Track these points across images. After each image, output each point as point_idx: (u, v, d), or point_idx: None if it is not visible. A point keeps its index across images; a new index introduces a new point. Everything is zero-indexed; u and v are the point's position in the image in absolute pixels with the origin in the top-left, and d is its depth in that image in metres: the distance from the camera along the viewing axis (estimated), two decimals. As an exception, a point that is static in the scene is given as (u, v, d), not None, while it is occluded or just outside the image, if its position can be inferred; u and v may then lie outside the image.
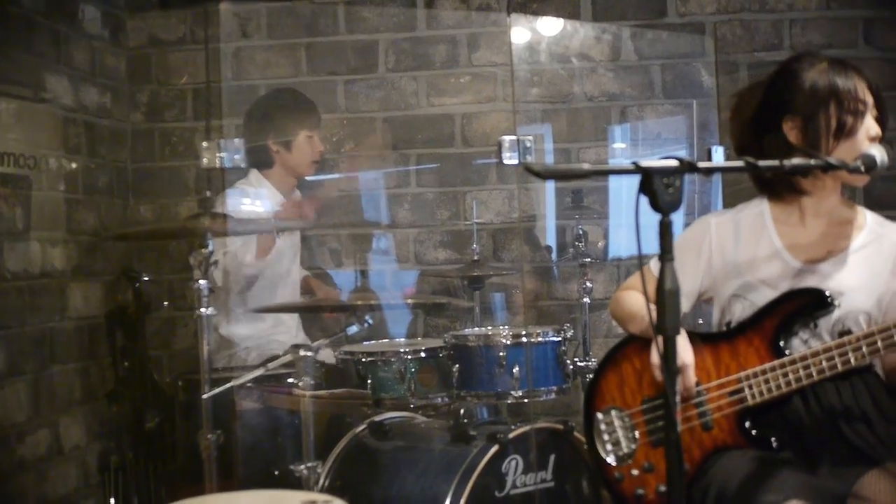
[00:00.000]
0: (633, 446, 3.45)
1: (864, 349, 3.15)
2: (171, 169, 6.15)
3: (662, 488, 3.37)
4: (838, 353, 3.18)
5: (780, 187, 3.44)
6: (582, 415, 3.64)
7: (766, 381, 3.26)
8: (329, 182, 5.68)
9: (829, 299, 3.25)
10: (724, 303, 3.47)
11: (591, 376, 3.69)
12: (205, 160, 4.00)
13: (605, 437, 3.51)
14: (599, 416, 3.53)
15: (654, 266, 3.41)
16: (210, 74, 5.97)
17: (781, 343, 3.28)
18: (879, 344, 3.14)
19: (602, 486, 3.58)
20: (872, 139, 3.28)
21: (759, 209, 3.49)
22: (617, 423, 3.50)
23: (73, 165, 5.46)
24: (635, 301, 3.58)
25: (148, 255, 6.03)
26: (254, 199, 5.27)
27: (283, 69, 6.11)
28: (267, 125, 5.33)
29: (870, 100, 3.32)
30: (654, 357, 3.33)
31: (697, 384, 3.33)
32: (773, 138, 3.38)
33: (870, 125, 3.29)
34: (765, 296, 3.35)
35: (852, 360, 3.16)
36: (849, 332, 3.24)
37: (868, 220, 3.44)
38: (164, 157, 6.16)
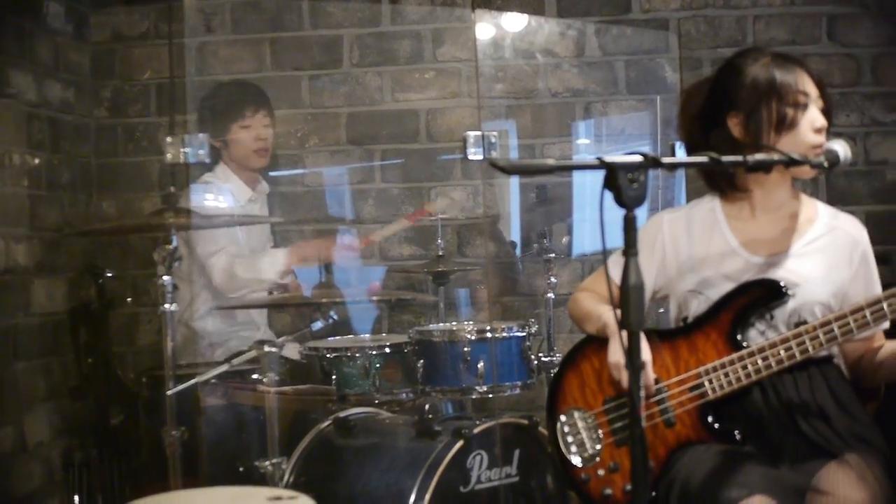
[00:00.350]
0: (598, 447, 3.46)
1: (822, 337, 3.17)
2: (134, 164, 6.12)
3: (629, 487, 3.37)
4: (796, 342, 3.20)
5: (724, 184, 3.46)
6: (546, 410, 3.65)
7: (726, 375, 3.27)
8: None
9: (783, 289, 3.27)
10: (681, 299, 3.49)
11: (552, 379, 3.69)
12: (169, 155, 3.98)
13: (570, 438, 3.51)
14: (563, 418, 3.54)
15: (611, 263, 3.41)
16: (174, 69, 5.95)
17: (739, 336, 3.30)
18: (836, 332, 3.16)
19: (569, 487, 3.58)
20: (817, 130, 3.29)
21: (711, 205, 3.51)
22: (580, 424, 3.51)
23: (37, 161, 5.43)
24: (590, 301, 3.60)
25: (111, 251, 6.01)
26: (217, 194, 5.26)
27: (247, 64, 6.10)
28: (205, 124, 5.32)
29: (813, 91, 3.33)
30: (612, 356, 3.35)
31: (657, 381, 3.35)
32: (719, 134, 3.40)
33: (814, 117, 3.30)
34: (720, 290, 3.37)
35: (810, 349, 3.19)
36: (805, 323, 3.26)
37: (821, 212, 3.47)
38: (128, 153, 6.14)
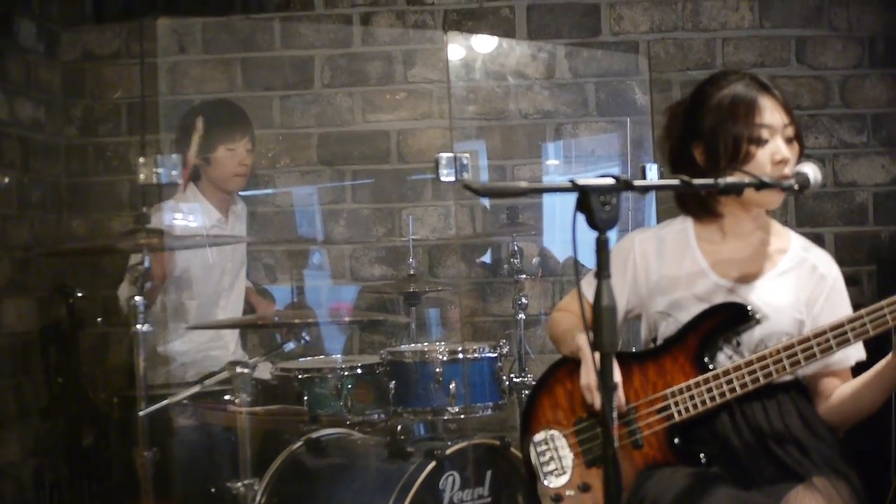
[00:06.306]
0: (569, 467, 3.46)
1: (786, 361, 3.17)
2: (105, 184, 6.11)
3: (599, 508, 3.38)
4: (759, 366, 3.19)
5: (695, 208, 3.46)
6: (518, 431, 3.65)
7: (692, 397, 3.26)
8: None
9: (750, 312, 3.27)
10: (651, 320, 3.48)
11: (526, 400, 3.69)
12: (142, 176, 3.96)
13: (541, 459, 3.51)
14: (535, 438, 3.54)
15: (584, 285, 3.41)
16: (145, 89, 5.94)
17: (706, 359, 3.30)
18: (800, 356, 3.15)
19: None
20: (778, 163, 3.24)
21: (683, 226, 3.50)
22: (551, 444, 3.50)
23: (7, 180, 5.41)
24: (567, 322, 3.59)
25: (81, 271, 5.98)
26: (187, 215, 5.23)
27: (218, 84, 6.09)
28: (187, 140, 5.28)
29: (779, 121, 3.28)
30: (584, 378, 3.35)
31: (626, 402, 3.35)
32: (688, 159, 3.39)
33: (776, 149, 3.25)
34: (689, 313, 3.36)
35: (774, 374, 3.17)
36: (771, 351, 3.27)
37: (793, 243, 3.45)
38: (98, 172, 6.12)
